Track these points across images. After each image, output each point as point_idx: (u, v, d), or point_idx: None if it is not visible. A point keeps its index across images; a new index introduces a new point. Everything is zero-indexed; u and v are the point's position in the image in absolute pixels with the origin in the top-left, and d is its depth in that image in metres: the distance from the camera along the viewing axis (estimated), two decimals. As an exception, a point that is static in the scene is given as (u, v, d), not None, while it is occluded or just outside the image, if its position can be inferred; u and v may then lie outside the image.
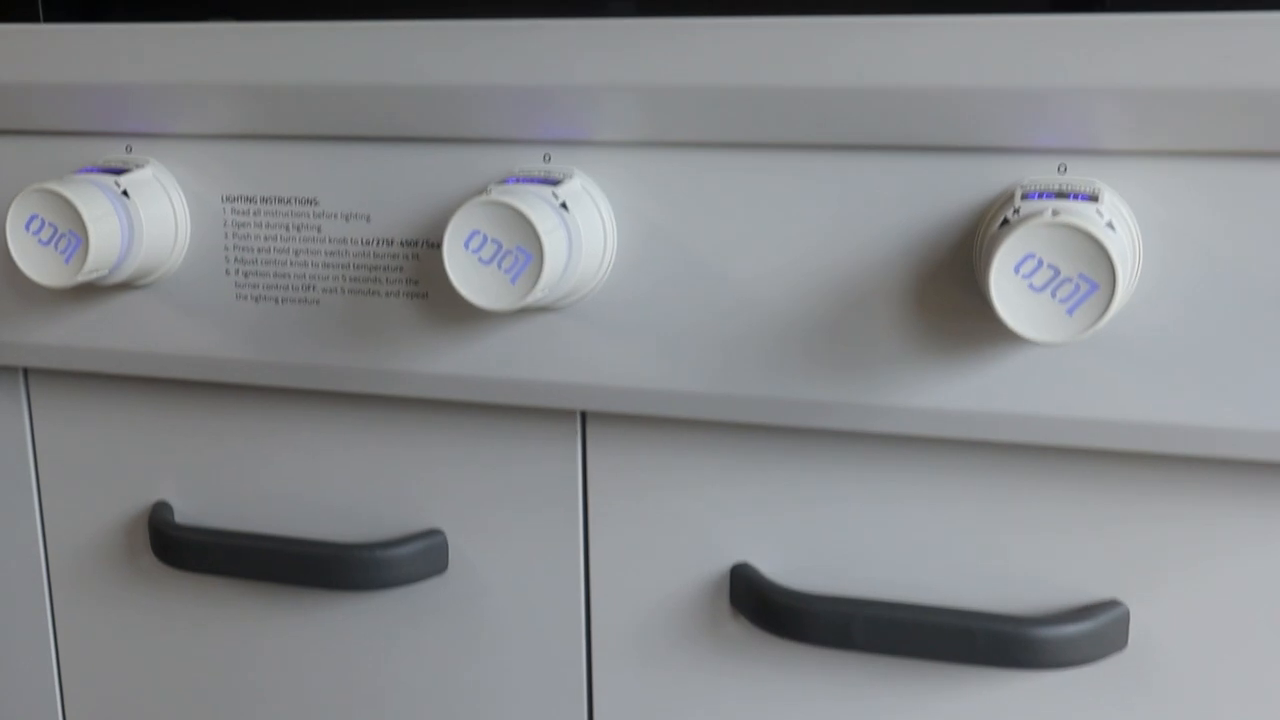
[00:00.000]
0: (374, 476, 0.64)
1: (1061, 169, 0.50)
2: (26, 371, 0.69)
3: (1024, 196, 0.48)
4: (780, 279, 0.54)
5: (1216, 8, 0.46)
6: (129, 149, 0.61)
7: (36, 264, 0.57)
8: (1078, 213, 0.47)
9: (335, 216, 0.59)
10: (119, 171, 0.59)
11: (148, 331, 0.63)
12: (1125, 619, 0.55)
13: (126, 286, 0.62)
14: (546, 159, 0.56)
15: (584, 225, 0.54)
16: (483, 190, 0.55)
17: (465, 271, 0.52)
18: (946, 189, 0.51)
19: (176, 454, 0.67)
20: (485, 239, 0.52)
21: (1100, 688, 0.56)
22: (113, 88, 0.59)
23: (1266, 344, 0.49)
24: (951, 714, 0.58)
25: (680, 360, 0.56)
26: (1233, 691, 0.55)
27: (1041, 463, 0.55)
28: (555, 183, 0.54)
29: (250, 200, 0.60)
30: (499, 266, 0.52)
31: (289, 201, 0.60)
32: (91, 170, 0.60)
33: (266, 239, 0.60)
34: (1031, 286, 0.46)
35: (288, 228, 0.60)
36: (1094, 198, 0.48)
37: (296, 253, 0.60)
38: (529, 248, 0.51)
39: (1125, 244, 0.48)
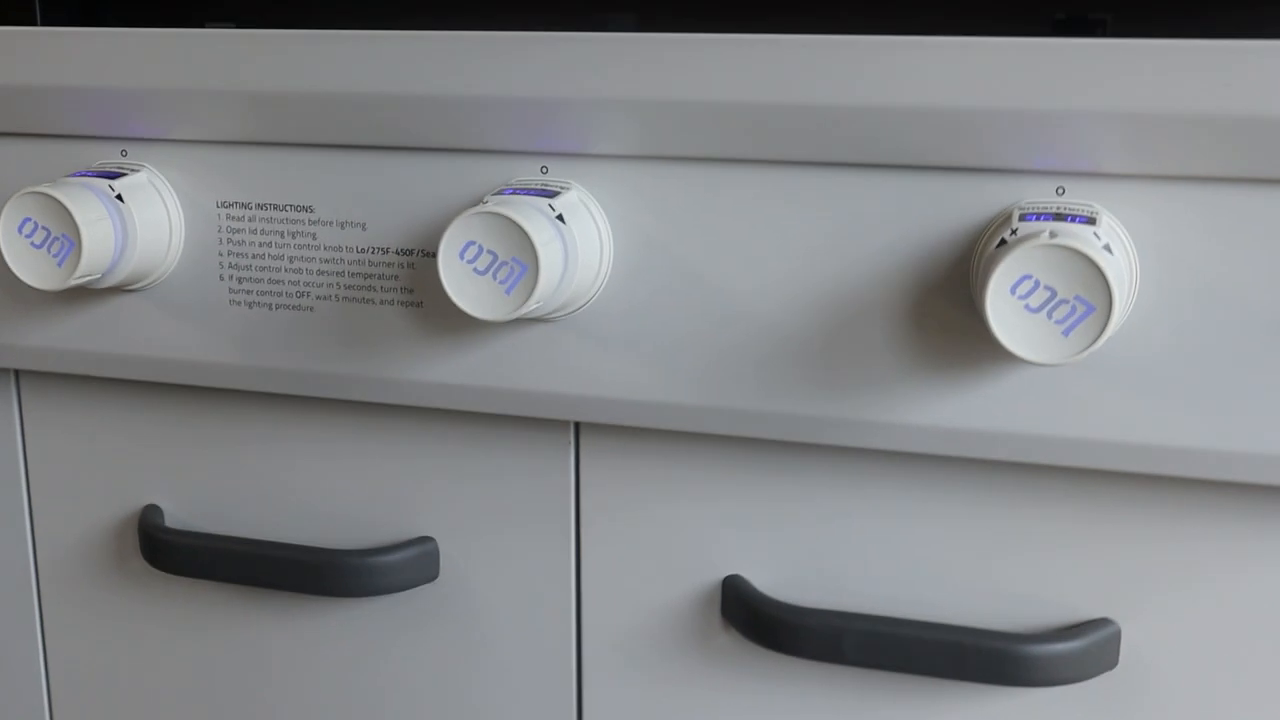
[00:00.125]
0: (366, 483, 0.64)
1: (1060, 191, 0.50)
2: (18, 374, 0.68)
3: (1022, 217, 0.48)
4: (776, 294, 0.54)
5: (1216, 35, 0.46)
6: (124, 153, 0.61)
7: (29, 267, 0.57)
8: (1075, 235, 0.47)
9: (330, 224, 0.59)
10: (114, 176, 0.59)
11: (140, 336, 0.62)
12: (1116, 638, 0.55)
13: (119, 290, 0.62)
14: (544, 171, 0.56)
15: (580, 237, 0.53)
16: (479, 201, 0.55)
17: (460, 281, 0.52)
18: (944, 208, 0.51)
19: (167, 458, 0.67)
20: (481, 249, 0.52)
21: (1091, 706, 0.56)
22: (108, 91, 0.59)
23: (1261, 368, 0.49)
24: (941, 730, 0.58)
25: (674, 373, 0.56)
26: (1224, 712, 0.55)
27: (1035, 482, 0.55)
28: (552, 194, 0.54)
29: (245, 206, 0.60)
30: (494, 277, 0.52)
31: (284, 208, 0.59)
32: (86, 174, 0.60)
33: (261, 245, 0.60)
34: (1028, 307, 0.46)
35: (283, 234, 0.60)
36: (1092, 220, 0.48)
37: (291, 260, 0.60)
38: (524, 259, 0.51)
39: (1122, 267, 0.48)
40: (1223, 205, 0.48)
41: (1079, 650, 0.54)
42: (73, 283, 0.57)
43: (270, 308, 0.60)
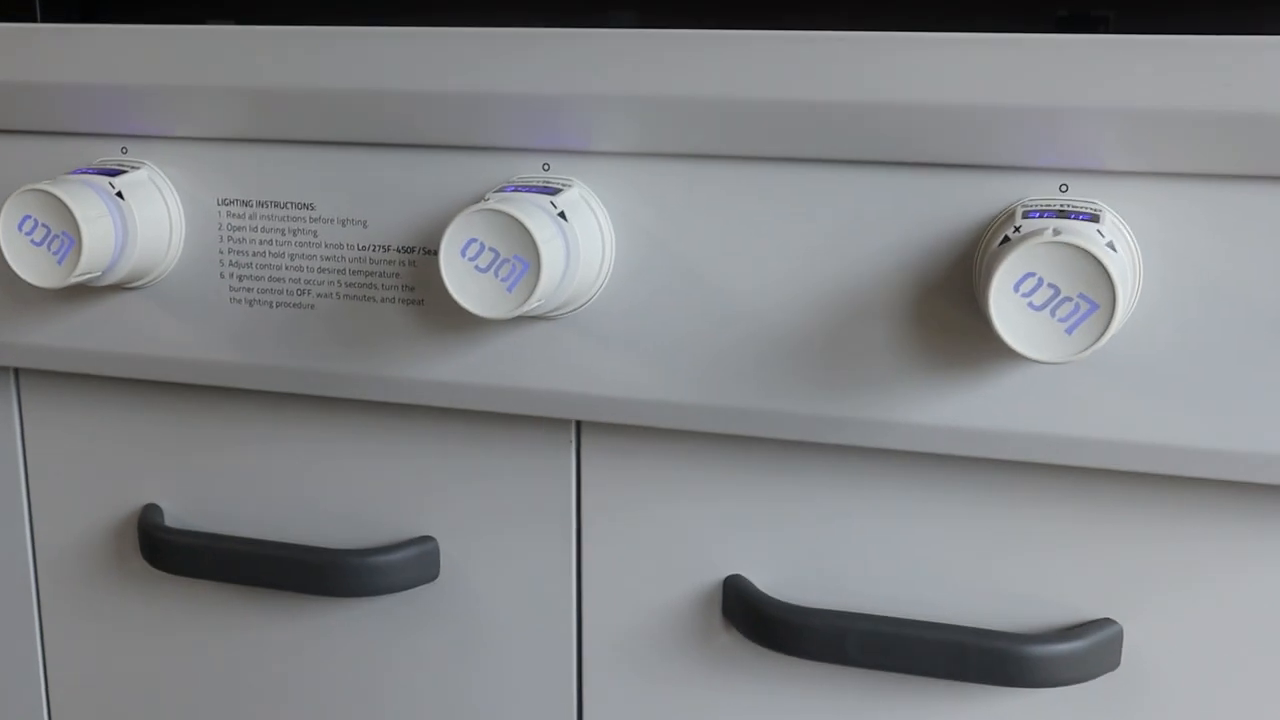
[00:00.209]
0: (366, 482, 0.64)
1: (1063, 188, 0.50)
2: (18, 372, 0.68)
3: (1025, 215, 0.48)
4: (778, 292, 0.54)
5: (1219, 31, 0.46)
6: (124, 150, 0.61)
7: (29, 264, 0.57)
8: (1079, 232, 0.46)
9: (331, 221, 0.59)
10: (114, 173, 0.59)
11: (140, 334, 0.62)
12: (1119, 638, 0.55)
13: (119, 288, 0.62)
14: (545, 168, 0.56)
15: (582, 235, 0.53)
16: (481, 198, 0.55)
17: (461, 279, 0.52)
18: (947, 206, 0.51)
19: (167, 457, 0.67)
20: (482, 247, 0.52)
21: (1093, 707, 0.56)
22: (109, 89, 0.59)
23: (1265, 367, 0.49)
24: (943, 730, 0.58)
25: (676, 371, 0.56)
26: (1225, 712, 0.55)
27: (1038, 481, 0.55)
28: (554, 191, 0.54)
29: (246, 204, 0.60)
30: (495, 275, 0.52)
31: (285, 206, 0.59)
32: (86, 171, 0.60)
33: (262, 243, 0.60)
34: (1031, 305, 0.46)
35: (283, 232, 0.59)
36: (1095, 217, 0.48)
37: (292, 257, 0.60)
38: (526, 256, 0.51)
39: (1126, 264, 0.48)
40: (1227, 202, 0.48)
41: (1081, 651, 0.54)
42: (73, 280, 0.57)
43: (271, 306, 0.60)
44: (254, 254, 0.60)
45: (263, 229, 0.60)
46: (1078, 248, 0.45)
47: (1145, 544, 0.54)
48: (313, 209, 0.59)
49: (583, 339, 0.56)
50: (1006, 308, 0.47)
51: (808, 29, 0.50)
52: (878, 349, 0.53)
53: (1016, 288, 0.46)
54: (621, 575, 0.61)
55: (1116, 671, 0.55)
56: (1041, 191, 0.50)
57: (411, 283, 0.58)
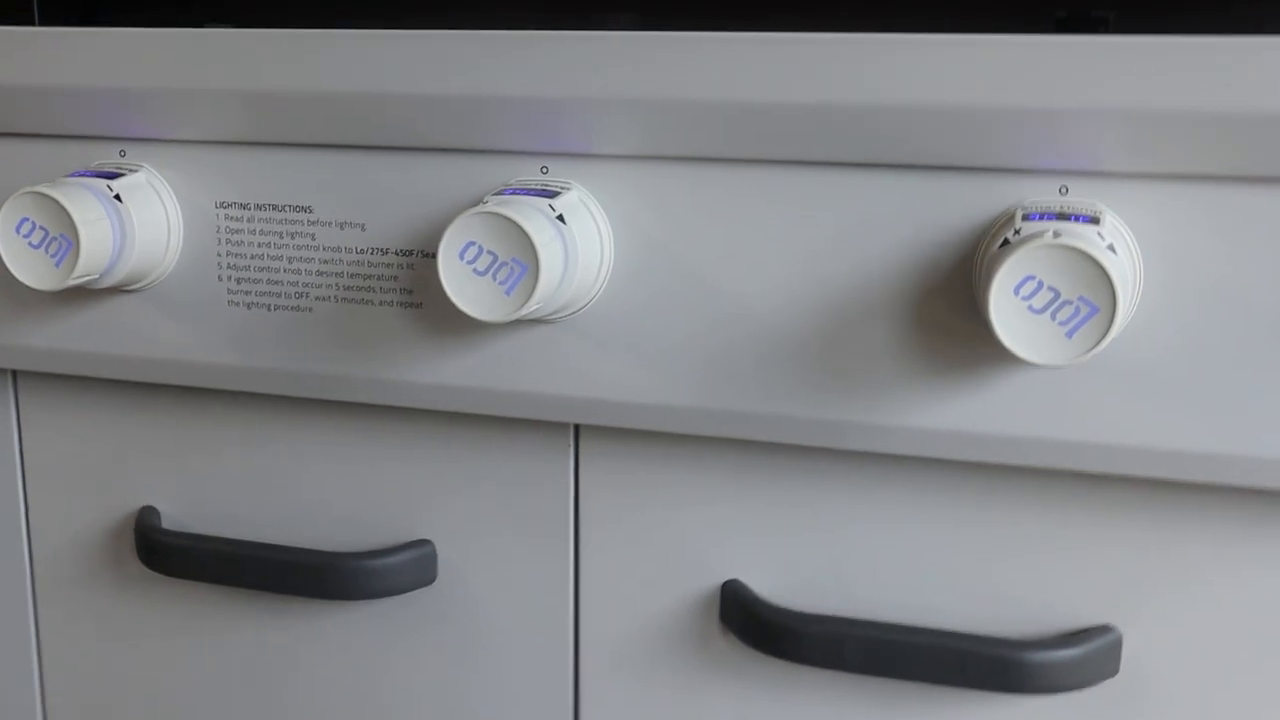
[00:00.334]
0: (364, 486, 0.64)
1: (1063, 190, 0.50)
2: (15, 375, 0.68)
3: (1025, 217, 0.48)
4: (777, 295, 0.54)
5: (1219, 31, 0.46)
6: (123, 153, 0.61)
7: (27, 267, 0.57)
8: (1079, 235, 0.46)
9: (330, 224, 0.59)
10: (112, 176, 0.59)
11: (138, 336, 0.62)
12: (1118, 644, 0.54)
13: (117, 291, 0.62)
14: (544, 171, 0.55)
15: (580, 238, 0.53)
16: (479, 201, 0.55)
17: (460, 282, 0.52)
18: (946, 208, 0.51)
19: (164, 459, 0.67)
20: (481, 250, 0.51)
21: (1092, 713, 0.56)
22: (107, 91, 0.59)
23: (1265, 370, 0.49)
24: (942, 736, 0.58)
25: (675, 375, 0.55)
26: (1225, 718, 0.55)
27: (1037, 486, 0.55)
28: (552, 194, 0.53)
29: (244, 207, 0.60)
30: (494, 278, 0.52)
31: (283, 209, 0.59)
32: (84, 174, 0.59)
33: (260, 246, 0.60)
34: (1031, 308, 0.46)
35: (281, 235, 0.59)
36: (1095, 220, 0.48)
37: (290, 260, 0.59)
38: (524, 259, 0.51)
39: (1126, 267, 0.47)
40: (1227, 204, 0.48)
41: (1080, 657, 0.54)
42: (71, 283, 0.57)
43: (269, 308, 0.60)
44: (252, 257, 0.60)
45: (261, 232, 0.60)
46: (1078, 250, 0.45)
47: (1146, 549, 0.54)
48: (311, 212, 0.59)
49: (581, 342, 0.56)
50: (1007, 311, 0.46)
51: (806, 31, 0.50)
52: (877, 353, 0.53)
53: (1017, 291, 0.46)
54: (619, 579, 0.61)
55: (1115, 678, 0.55)
56: (1041, 193, 0.50)
57: (410, 286, 0.58)
